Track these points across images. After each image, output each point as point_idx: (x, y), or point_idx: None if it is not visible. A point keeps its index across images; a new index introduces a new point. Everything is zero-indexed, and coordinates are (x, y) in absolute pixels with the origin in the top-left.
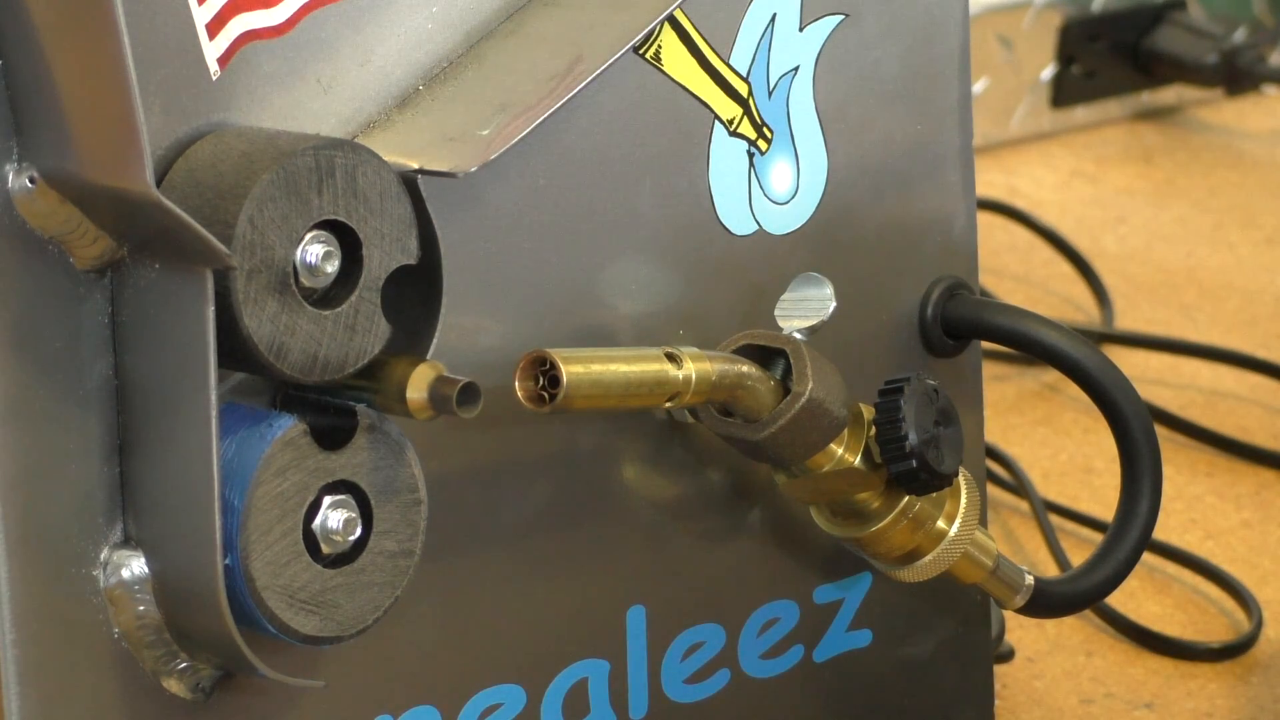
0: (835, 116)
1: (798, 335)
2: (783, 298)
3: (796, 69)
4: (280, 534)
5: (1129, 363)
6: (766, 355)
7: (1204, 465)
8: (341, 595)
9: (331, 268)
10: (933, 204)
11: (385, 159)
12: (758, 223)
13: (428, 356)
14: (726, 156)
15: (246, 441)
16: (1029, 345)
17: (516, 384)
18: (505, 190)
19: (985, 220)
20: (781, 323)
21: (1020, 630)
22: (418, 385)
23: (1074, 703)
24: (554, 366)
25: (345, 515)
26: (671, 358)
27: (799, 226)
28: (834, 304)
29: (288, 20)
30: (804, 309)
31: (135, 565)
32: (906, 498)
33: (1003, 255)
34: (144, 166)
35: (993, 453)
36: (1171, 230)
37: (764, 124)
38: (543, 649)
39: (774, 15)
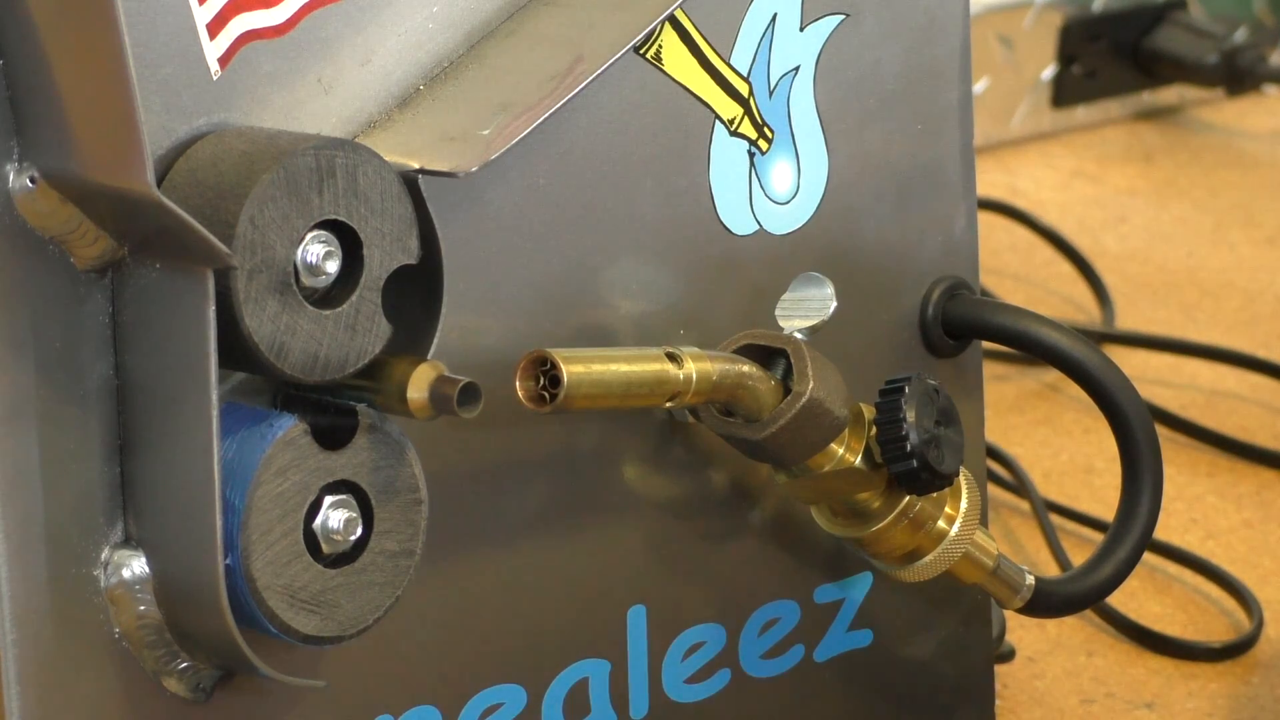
0: (836, 116)
1: (798, 335)
2: (783, 297)
3: (797, 69)
4: (281, 534)
5: (1129, 363)
6: (767, 355)
7: (1205, 465)
8: (342, 595)
9: (332, 267)
10: (933, 204)
11: (386, 159)
12: (758, 222)
13: (428, 356)
14: (727, 156)
15: (247, 441)
16: (1030, 345)
17: (517, 384)
18: (505, 190)
19: (986, 220)
20: (782, 322)
21: (1021, 630)
22: (418, 385)
23: (1074, 703)
24: (554, 366)
25: (346, 515)
26: (672, 357)
27: (800, 226)
28: (835, 304)
29: (288, 20)
30: (804, 309)
31: (136, 565)
32: (907, 498)
33: (1003, 255)
34: (144, 166)
35: (993, 453)
36: (1172, 230)
37: (765, 124)
38: (543, 649)
39: (775, 15)
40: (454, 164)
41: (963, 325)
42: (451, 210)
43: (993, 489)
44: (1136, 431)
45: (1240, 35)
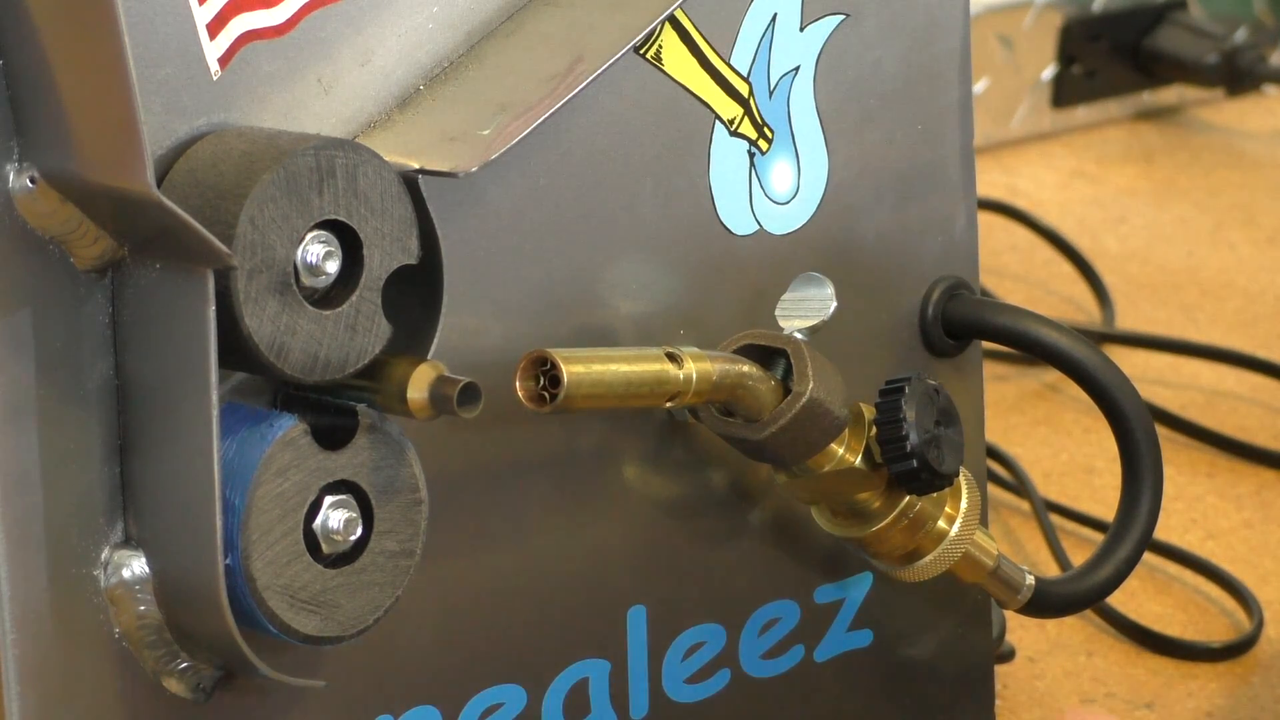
0: (836, 116)
1: (798, 335)
2: (783, 298)
3: (797, 69)
4: (281, 534)
5: (1129, 363)
6: (767, 355)
7: (1205, 465)
8: (342, 595)
9: (332, 268)
10: (933, 204)
11: (386, 159)
12: (758, 223)
13: (428, 356)
14: (727, 156)
15: (247, 441)
16: (1030, 345)
17: (517, 384)
18: (505, 190)
19: (986, 220)
20: (782, 322)
21: (1021, 630)
22: (418, 385)
23: (1075, 703)
24: (555, 366)
25: (346, 515)
26: (672, 357)
27: (800, 226)
28: (834, 304)
29: (288, 20)
30: (804, 309)
31: (136, 565)
32: (907, 498)
33: (1003, 255)
34: (144, 166)
35: (993, 453)
36: (1172, 230)
37: (765, 124)
38: (543, 649)
39: (775, 15)
40: (454, 164)
41: (963, 325)
42: (451, 210)
43: (993, 489)
44: (1136, 431)
45: (1240, 35)
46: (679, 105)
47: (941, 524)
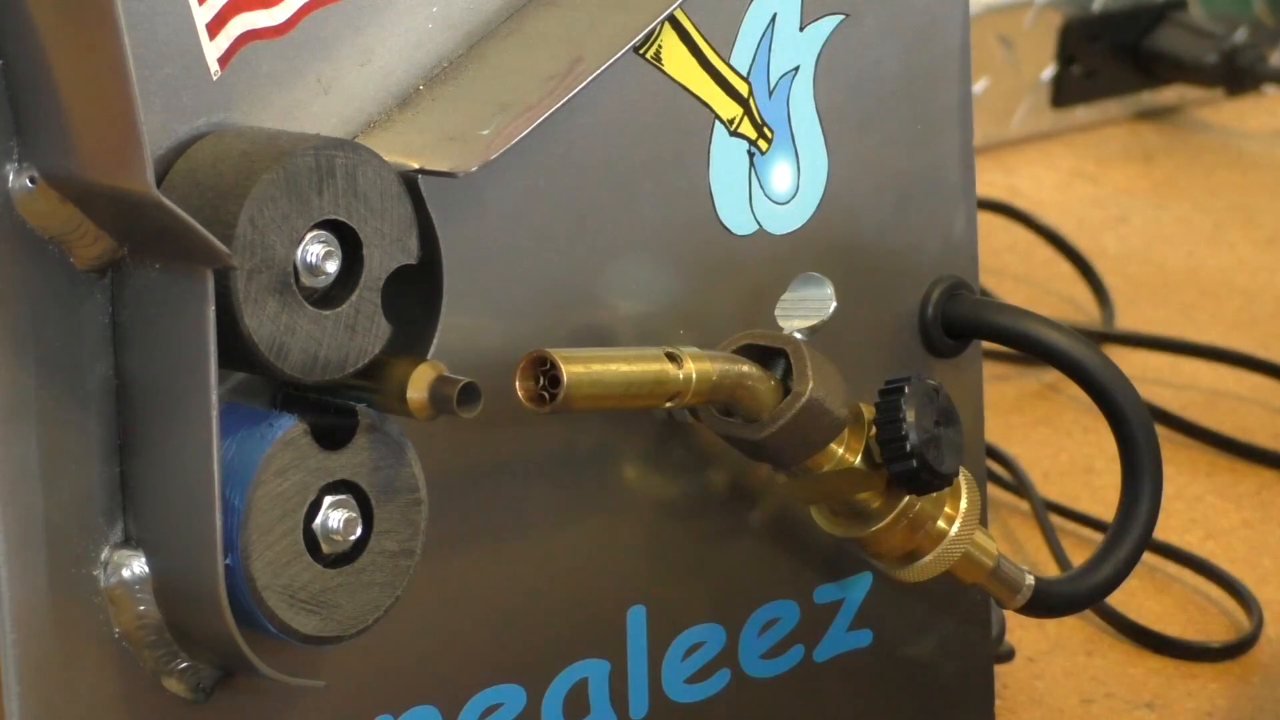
0: (835, 116)
1: (798, 335)
2: (783, 297)
3: (797, 69)
4: (281, 534)
5: (1129, 363)
6: (767, 355)
7: (1204, 465)
8: (342, 595)
9: (332, 267)
10: (933, 204)
11: (386, 159)
12: (758, 222)
13: (428, 356)
14: (727, 156)
15: (247, 441)
16: (1029, 345)
17: (517, 384)
18: (505, 190)
19: (985, 220)
20: (782, 322)
21: (1021, 630)
22: (418, 385)
23: (1074, 703)
24: (554, 366)
25: (346, 515)
26: (672, 357)
27: (799, 226)
28: (834, 304)
29: (288, 20)
30: (804, 309)
31: (136, 565)
32: (907, 498)
33: (1003, 255)
34: (144, 166)
35: (993, 453)
36: (1172, 230)
37: (764, 124)
38: (543, 649)
39: (774, 15)
40: (454, 164)
41: (963, 325)
42: (451, 210)
43: (993, 489)
44: (1136, 431)
45: (1240, 35)
46: (679, 105)
47: (941, 524)
